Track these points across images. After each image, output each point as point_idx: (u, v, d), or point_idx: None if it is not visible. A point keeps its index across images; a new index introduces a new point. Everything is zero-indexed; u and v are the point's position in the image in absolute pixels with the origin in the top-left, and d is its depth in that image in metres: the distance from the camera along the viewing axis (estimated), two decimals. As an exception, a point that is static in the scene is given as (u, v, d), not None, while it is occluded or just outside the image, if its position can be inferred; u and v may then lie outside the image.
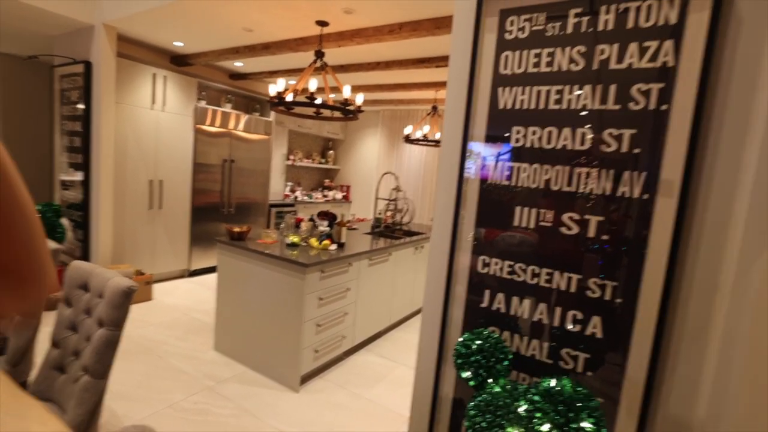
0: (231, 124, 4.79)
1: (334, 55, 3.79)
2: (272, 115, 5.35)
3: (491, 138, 1.70)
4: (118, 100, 3.76)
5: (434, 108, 4.91)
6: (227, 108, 4.83)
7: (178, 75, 4.25)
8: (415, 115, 6.37)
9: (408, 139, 4.74)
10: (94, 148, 3.60)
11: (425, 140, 4.75)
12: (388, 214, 4.05)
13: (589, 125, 1.48)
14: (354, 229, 3.88)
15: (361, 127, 6.96)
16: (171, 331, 3.20)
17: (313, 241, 2.85)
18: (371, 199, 6.74)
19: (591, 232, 1.48)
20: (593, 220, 1.47)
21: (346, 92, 3.09)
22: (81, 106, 3.63)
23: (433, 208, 6.19)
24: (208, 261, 4.75)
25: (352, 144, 7.16)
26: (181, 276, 4.57)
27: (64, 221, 3.70)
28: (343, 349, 2.93)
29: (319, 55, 3.19)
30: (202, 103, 4.52)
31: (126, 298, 1.27)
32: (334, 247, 2.86)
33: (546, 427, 1.16)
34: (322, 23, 3.13)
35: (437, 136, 4.82)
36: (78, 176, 3.71)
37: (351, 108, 3.14)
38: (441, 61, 3.76)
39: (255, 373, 2.67)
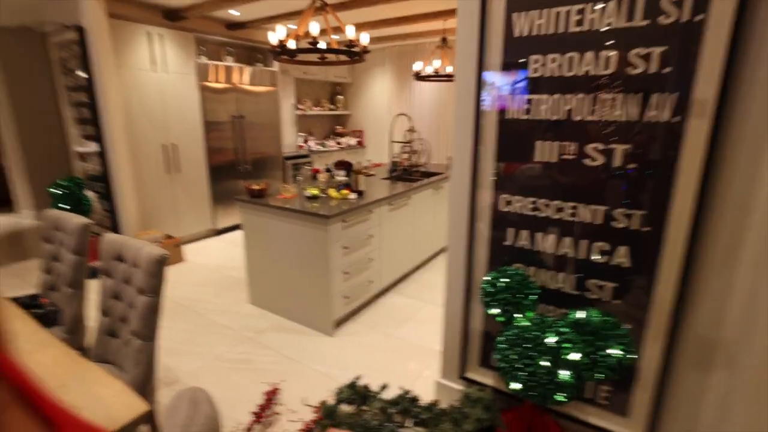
0: (235, 78, 4.66)
1: (332, -9, 3.55)
2: (276, 65, 5.16)
3: (507, 69, 1.60)
4: (119, 65, 3.67)
5: (444, 40, 4.63)
6: (229, 62, 4.68)
7: (174, 31, 4.09)
8: (423, 50, 6.04)
9: (418, 76, 4.54)
10: (103, 118, 3.59)
11: (436, 76, 4.53)
12: (404, 156, 4.00)
13: (613, 46, 1.37)
14: (371, 175, 3.86)
15: (369, 67, 6.67)
16: (206, 288, 3.36)
17: (332, 192, 2.86)
18: (386, 142, 6.62)
19: (617, 162, 1.42)
20: (619, 149, 1.42)
21: (350, 33, 2.93)
22: (82, 74, 3.57)
23: (449, 147, 6.06)
24: (232, 219, 4.86)
25: (360, 86, 6.92)
26: (208, 236, 4.72)
27: (89, 194, 3.80)
28: (372, 293, 3.05)
29: (317, -7, 2.99)
30: (203, 59, 4.38)
31: (160, 266, 1.32)
32: (353, 195, 2.87)
33: (575, 356, 1.20)
34: (317, -43, 2.90)
35: (449, 70, 4.59)
36: (93, 147, 3.74)
37: (357, 49, 2.99)
38: (447, -14, 3.48)
39: (291, 322, 2.83)
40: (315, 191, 2.86)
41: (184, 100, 4.23)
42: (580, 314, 1.28)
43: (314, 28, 2.88)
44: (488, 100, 1.66)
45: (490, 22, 1.60)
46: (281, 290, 2.84)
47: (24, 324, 1.36)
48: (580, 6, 1.41)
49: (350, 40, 2.95)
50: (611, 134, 1.42)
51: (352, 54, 3.03)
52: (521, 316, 1.45)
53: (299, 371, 2.29)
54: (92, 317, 1.66)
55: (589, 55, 1.43)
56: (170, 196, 4.25)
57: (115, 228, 3.82)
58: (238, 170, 4.86)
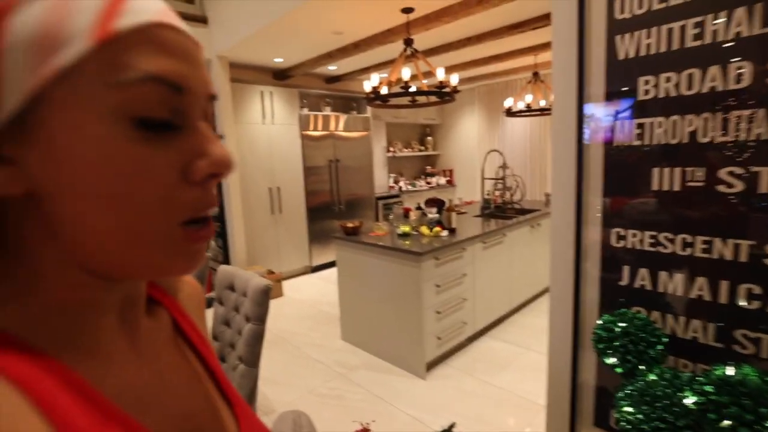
0: (332, 126, 5.04)
1: (421, 40, 3.72)
2: (369, 111, 5.49)
3: (612, 95, 1.48)
4: (236, 121, 4.21)
5: (535, 75, 4.53)
6: (327, 111, 5.09)
7: (281, 88, 4.60)
8: (513, 86, 5.97)
9: (510, 113, 4.46)
10: (223, 166, 4.09)
11: (529, 110, 4.41)
12: (497, 193, 3.87)
13: (747, 57, 1.20)
14: (463, 213, 3.79)
15: (457, 107, 6.76)
16: (302, 322, 3.50)
17: (424, 229, 2.85)
18: (476, 180, 6.52)
19: (763, 188, 1.20)
20: (764, 172, 1.19)
21: (440, 74, 3.01)
22: (209, 130, 4.14)
23: (545, 183, 5.76)
24: (327, 257, 5.09)
25: (449, 127, 7.01)
26: (304, 272, 4.98)
27: (208, 232, 4.30)
28: (466, 336, 2.89)
29: (408, 42, 3.15)
30: (305, 111, 4.83)
31: (265, 296, 1.40)
32: (445, 233, 2.82)
33: (726, 423, 0.98)
34: (408, 10, 3.08)
35: (542, 104, 4.44)
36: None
37: (447, 90, 3.05)
38: (538, 21, 3.44)
39: (381, 360, 2.79)
40: (407, 229, 2.88)
41: (288, 147, 4.67)
42: (730, 371, 1.05)
43: (405, 73, 3.02)
44: (591, 131, 1.54)
45: (589, 48, 1.51)
46: (373, 327, 2.84)
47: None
48: (697, 19, 1.27)
49: (440, 82, 3.02)
50: (752, 157, 1.21)
51: (443, 95, 3.10)
52: (647, 368, 1.24)
53: (390, 413, 2.22)
54: (205, 343, 1.81)
55: (713, 70, 1.26)
56: (273, 234, 4.62)
57: (226, 262, 4.23)
58: (333, 210, 5.14)
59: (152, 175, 0.28)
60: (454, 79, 3.15)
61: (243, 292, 1.51)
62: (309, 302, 4.00)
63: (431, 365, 2.66)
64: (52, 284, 0.29)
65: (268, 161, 4.52)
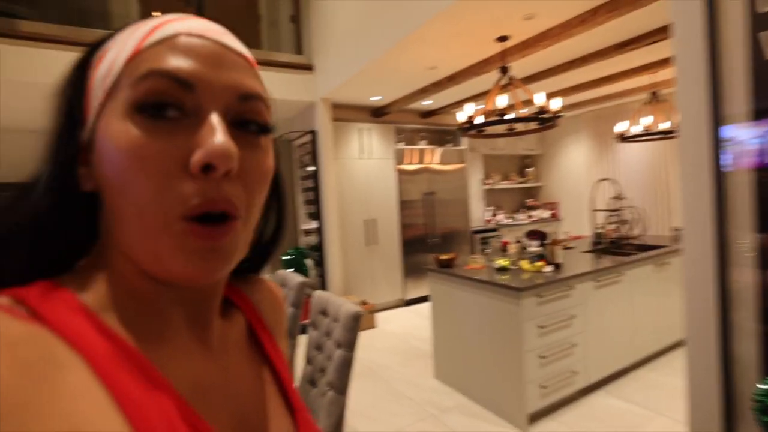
0: (427, 159, 5.06)
1: (518, 67, 3.60)
2: (464, 143, 5.43)
3: (760, 103, 1.22)
4: (336, 156, 4.46)
5: (653, 94, 4.07)
6: (422, 145, 5.15)
7: (378, 125, 4.80)
8: (625, 110, 5.44)
9: (624, 138, 4.04)
10: (322, 200, 4.34)
11: (647, 134, 3.95)
12: (611, 227, 3.46)
13: None
14: (570, 248, 3.44)
15: (560, 136, 6.35)
16: (393, 356, 3.42)
17: (525, 264, 2.63)
18: (585, 213, 5.96)
19: None
20: None
21: (540, 99, 2.85)
22: (311, 168, 4.46)
23: (673, 216, 5.02)
24: (420, 291, 5.00)
25: (552, 157, 6.59)
26: (397, 305, 4.93)
27: (308, 261, 4.53)
28: (576, 388, 2.53)
29: (504, 70, 3.07)
30: (400, 145, 4.95)
31: (355, 322, 1.37)
32: (549, 268, 2.56)
33: None
34: (503, 38, 3.02)
35: (662, 126, 3.95)
36: (314, 224, 4.52)
37: (547, 115, 2.87)
38: (654, 35, 3.10)
39: (477, 405, 2.56)
40: (505, 263, 2.68)
41: (383, 181, 4.79)
42: None
43: (501, 101, 2.92)
44: (733, 155, 1.28)
45: (722, 54, 1.28)
46: (467, 367, 2.64)
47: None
48: None
49: (540, 107, 2.86)
50: None
51: (543, 120, 2.92)
52: None
53: (487, 468, 1.99)
54: (299, 366, 1.83)
55: None
56: (368, 266, 4.69)
57: (323, 290, 4.38)
58: (427, 244, 5.07)
59: (151, 164, 0.29)
60: (554, 103, 2.96)
61: (335, 318, 1.51)
62: (401, 336, 3.92)
63: (534, 417, 2.36)
64: (123, 273, 0.33)
65: (365, 194, 4.68)
